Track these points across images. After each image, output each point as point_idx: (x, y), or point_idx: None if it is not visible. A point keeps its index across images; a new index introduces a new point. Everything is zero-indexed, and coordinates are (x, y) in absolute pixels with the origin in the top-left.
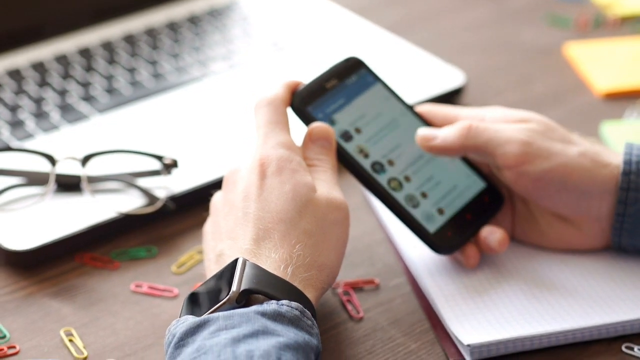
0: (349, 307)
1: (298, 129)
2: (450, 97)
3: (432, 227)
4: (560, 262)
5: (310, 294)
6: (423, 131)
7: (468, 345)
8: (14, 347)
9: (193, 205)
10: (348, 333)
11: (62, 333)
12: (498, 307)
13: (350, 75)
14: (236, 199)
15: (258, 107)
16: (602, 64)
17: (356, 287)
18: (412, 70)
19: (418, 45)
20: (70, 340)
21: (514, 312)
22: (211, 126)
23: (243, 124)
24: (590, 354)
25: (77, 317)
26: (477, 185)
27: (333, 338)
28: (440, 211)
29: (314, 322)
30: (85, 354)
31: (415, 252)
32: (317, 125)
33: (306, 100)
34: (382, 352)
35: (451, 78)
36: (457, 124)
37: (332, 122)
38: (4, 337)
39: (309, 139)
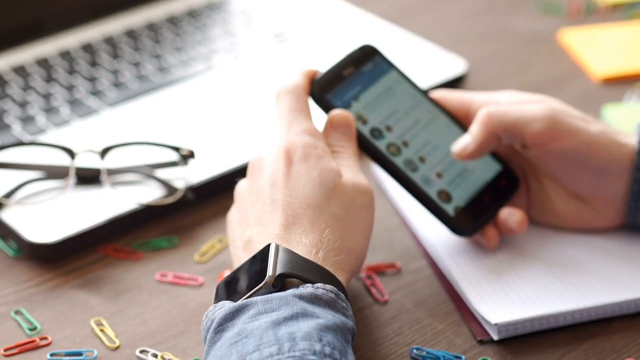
0: (373, 290)
1: (318, 116)
2: (453, 85)
3: (451, 210)
4: (576, 241)
5: (341, 277)
6: (456, 146)
7: (495, 324)
8: (45, 338)
9: (211, 194)
10: (375, 316)
11: (92, 323)
12: (520, 287)
13: (366, 63)
14: (263, 186)
15: (279, 96)
16: (598, 49)
17: (378, 271)
18: (414, 59)
19: (415, 34)
20: (102, 330)
21: (536, 291)
22: (220, 118)
23: (252, 114)
24: (612, 330)
25: (105, 308)
26: (492, 168)
27: (361, 321)
28: (457, 192)
29: (348, 304)
30: (118, 343)
31: (433, 235)
32: (337, 112)
33: (325, 88)
34: (410, 333)
35: (453, 66)
36: (476, 119)
37: (350, 109)
38: (35, 328)
39: (330, 126)
